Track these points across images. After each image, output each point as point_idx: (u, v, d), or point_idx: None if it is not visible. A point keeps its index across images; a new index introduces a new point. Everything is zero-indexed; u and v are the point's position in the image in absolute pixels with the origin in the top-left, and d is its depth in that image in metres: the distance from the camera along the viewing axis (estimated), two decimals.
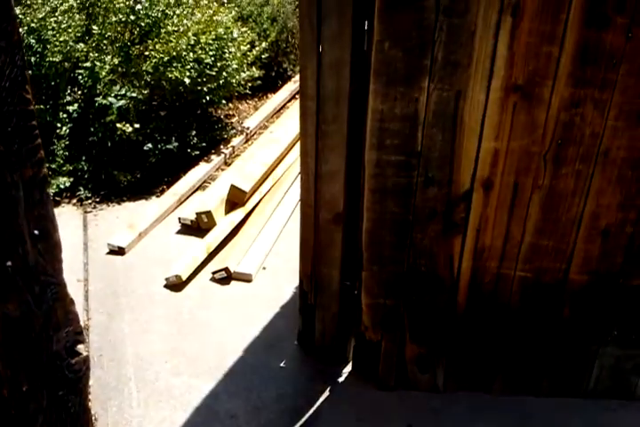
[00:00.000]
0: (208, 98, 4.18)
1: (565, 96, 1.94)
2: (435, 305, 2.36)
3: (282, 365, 2.72)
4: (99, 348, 2.79)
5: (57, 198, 3.92)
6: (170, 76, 3.89)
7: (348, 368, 2.68)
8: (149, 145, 4.00)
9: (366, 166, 2.11)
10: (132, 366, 2.71)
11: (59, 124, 3.93)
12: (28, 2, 3.79)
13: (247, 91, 4.59)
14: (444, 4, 1.82)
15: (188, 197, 3.97)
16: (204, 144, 4.24)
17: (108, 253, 3.47)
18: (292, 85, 5.16)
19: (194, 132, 4.20)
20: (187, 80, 3.94)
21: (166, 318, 2.98)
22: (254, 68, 4.54)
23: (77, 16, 3.87)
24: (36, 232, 1.18)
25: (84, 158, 4.01)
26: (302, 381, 2.64)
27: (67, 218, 3.77)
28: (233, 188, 3.68)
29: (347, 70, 2.10)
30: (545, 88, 1.93)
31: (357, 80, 2.10)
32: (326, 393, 2.57)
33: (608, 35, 1.84)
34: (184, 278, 3.20)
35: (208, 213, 3.58)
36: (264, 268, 3.33)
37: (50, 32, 3.74)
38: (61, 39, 3.76)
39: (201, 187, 4.08)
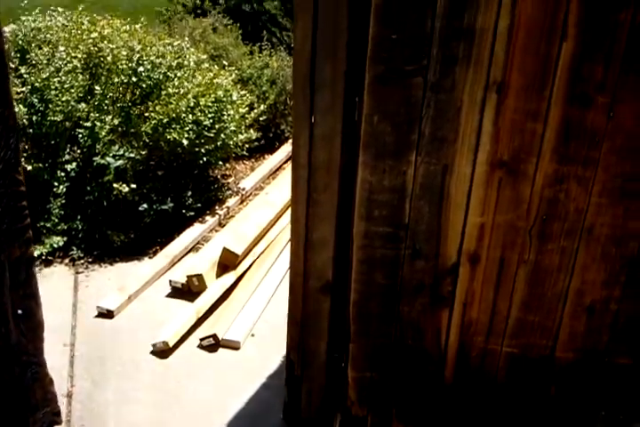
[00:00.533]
0: (205, 159, 4.23)
1: (549, 172, 1.95)
2: (422, 379, 2.30)
3: None
4: (80, 417, 2.72)
5: (49, 258, 3.90)
6: (168, 137, 3.95)
7: None
8: (145, 205, 4.02)
9: (354, 237, 2.11)
10: None
11: (56, 183, 3.96)
12: (34, 62, 3.89)
13: (244, 152, 4.65)
14: (431, 81, 1.86)
15: (180, 259, 3.96)
16: (199, 205, 4.26)
17: (97, 316, 3.43)
18: (289, 147, 5.20)
19: (189, 193, 4.23)
20: (185, 142, 4.00)
21: (151, 387, 2.92)
22: (252, 130, 4.62)
23: (81, 76, 3.96)
24: (19, 312, 1.17)
25: (79, 218, 4.02)
26: None
27: (58, 278, 3.75)
28: (225, 250, 3.67)
29: (338, 141, 2.13)
30: (529, 164, 1.95)
31: (348, 150, 2.13)
32: None
33: (590, 113, 1.87)
34: (171, 345, 3.14)
35: (199, 277, 3.56)
36: (252, 335, 3.29)
37: (53, 92, 3.82)
38: (64, 99, 3.83)
39: (194, 248, 4.08)
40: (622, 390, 2.23)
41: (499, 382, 2.28)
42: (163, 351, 3.13)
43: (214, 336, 3.18)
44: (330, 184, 2.19)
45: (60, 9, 4.31)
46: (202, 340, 3.19)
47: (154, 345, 3.13)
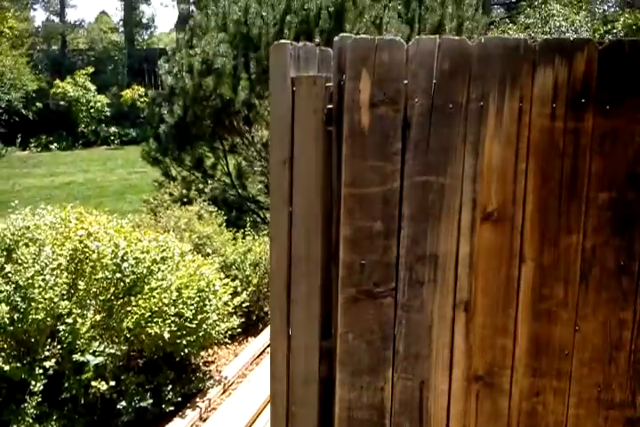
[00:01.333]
0: (186, 350, 4.22)
1: (525, 386, 1.99)
2: None
3: None
4: None
5: None
6: (150, 331, 3.97)
7: None
8: (123, 403, 3.92)
9: None
10: None
11: (33, 382, 3.88)
12: (19, 260, 4.01)
13: (226, 339, 4.65)
14: (401, 302, 1.96)
15: None
16: (179, 399, 4.16)
17: None
18: None
19: (169, 387, 4.14)
20: (166, 335, 4.01)
21: None
22: (235, 317, 4.66)
23: (65, 273, 4.06)
24: None
25: (54, 417, 3.89)
26: None
27: None
28: None
29: (315, 354, 2.17)
30: (504, 378, 1.99)
31: (328, 365, 2.16)
32: None
33: (557, 328, 1.95)
34: None
35: None
36: None
37: (36, 290, 3.89)
38: (47, 296, 3.89)
39: None
40: None
41: None
42: None
43: None
44: (308, 398, 2.19)
45: (49, 207, 4.53)
46: None
47: None
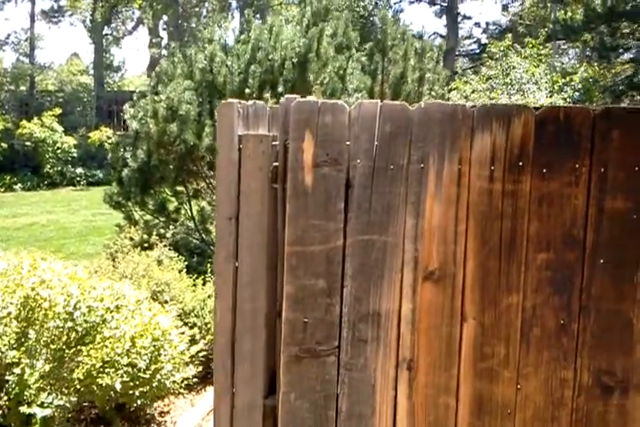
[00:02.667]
0: (140, 402, 4.11)
1: None
2: None
3: None
4: None
5: None
6: (101, 382, 3.87)
7: None
8: None
9: None
10: None
11: None
12: None
13: (181, 389, 4.55)
14: (344, 360, 1.96)
15: None
16: None
17: None
18: None
19: None
20: (118, 386, 3.91)
21: None
22: (192, 366, 4.58)
23: (15, 322, 3.96)
24: None
25: None
26: None
27: None
28: None
29: (259, 413, 2.14)
30: None
31: None
32: None
33: (499, 387, 1.96)
34: None
35: None
36: None
37: None
38: None
39: None
40: None
41: None
42: None
43: None
44: None
45: (1, 253, 4.45)
46: None
47: None
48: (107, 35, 25.69)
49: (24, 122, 18.25)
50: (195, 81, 7.19)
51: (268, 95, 6.81)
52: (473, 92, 13.03)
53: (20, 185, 17.68)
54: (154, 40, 26.20)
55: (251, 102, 2.19)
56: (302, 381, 1.97)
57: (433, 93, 7.76)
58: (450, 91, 13.24)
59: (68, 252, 10.77)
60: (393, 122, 1.89)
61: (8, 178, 17.75)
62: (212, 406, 4.89)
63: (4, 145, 17.97)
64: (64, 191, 18.04)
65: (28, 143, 17.93)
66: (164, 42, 25.95)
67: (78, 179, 18.00)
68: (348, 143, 1.90)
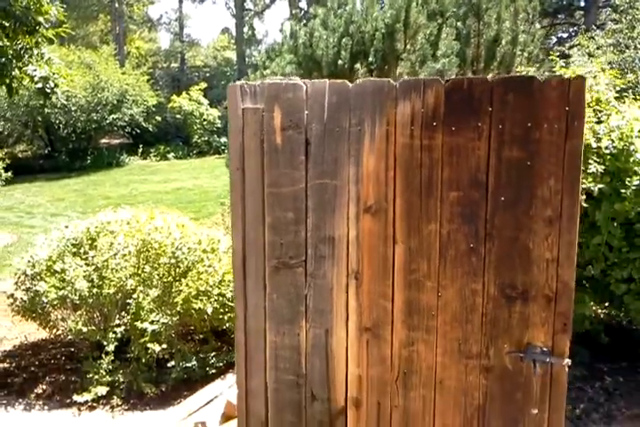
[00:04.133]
0: (228, 325, 5.09)
1: (402, 337, 2.65)
2: None
3: None
4: None
5: (94, 404, 4.74)
6: (195, 306, 4.89)
7: None
8: (172, 363, 4.86)
9: (267, 384, 2.83)
10: None
11: (106, 343, 4.91)
12: (99, 247, 5.07)
13: None
14: (309, 271, 2.69)
15: (197, 410, 4.66)
16: (220, 364, 5.04)
17: None
18: None
19: (214, 354, 5.04)
20: (209, 310, 4.91)
21: None
22: None
23: (133, 259, 5.07)
24: None
25: (121, 372, 4.90)
26: None
27: (99, 421, 4.55)
28: (229, 403, 4.36)
29: (261, 311, 2.93)
30: (386, 330, 2.66)
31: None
32: None
33: (424, 295, 2.60)
34: None
35: (203, 424, 4.24)
36: None
37: (110, 271, 4.93)
38: (118, 276, 4.92)
39: (211, 401, 4.78)
40: None
41: None
42: None
43: None
44: (259, 346, 2.96)
45: (127, 206, 5.60)
46: None
47: None
48: (247, 10, 27.18)
49: (174, 96, 20.18)
50: (298, 55, 7.97)
51: (358, 66, 7.45)
52: (598, 48, 12.68)
53: (172, 154, 19.70)
54: (294, 11, 27.28)
55: (259, 82, 2.92)
56: (281, 285, 2.74)
57: (525, 54, 7.95)
58: (570, 48, 12.94)
59: (207, 212, 12.16)
60: (337, 95, 2.56)
61: (162, 148, 19.85)
62: None
63: (158, 118, 20.05)
64: (210, 159, 19.82)
65: (178, 116, 19.87)
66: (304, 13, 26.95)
67: (222, 148, 19.68)
68: (306, 112, 2.59)
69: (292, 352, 2.77)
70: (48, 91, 6.09)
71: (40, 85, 6.09)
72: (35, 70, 6.26)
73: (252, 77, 8.17)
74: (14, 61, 6.16)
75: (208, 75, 22.70)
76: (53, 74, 6.23)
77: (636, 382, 5.14)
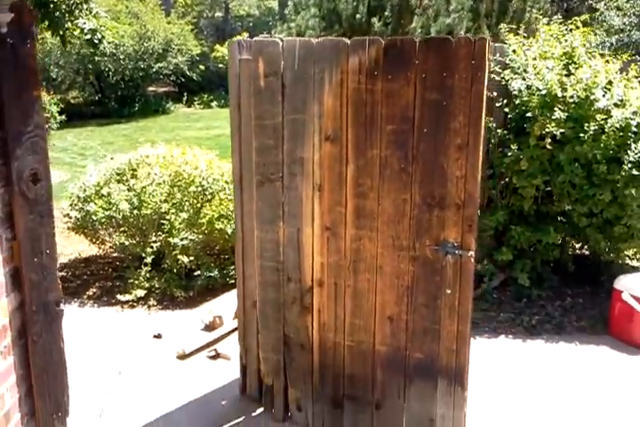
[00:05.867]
0: None
1: (352, 234, 3.55)
2: (300, 359, 3.82)
3: (223, 403, 4.21)
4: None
5: (133, 304, 5.85)
6: (217, 227, 5.88)
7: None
8: (198, 272, 5.91)
9: (256, 269, 3.79)
10: None
11: (144, 255, 5.97)
12: (137, 176, 6.08)
13: None
14: (285, 184, 3.60)
15: (216, 309, 5.71)
16: None
17: (153, 338, 5.24)
18: None
19: (232, 267, 6.05)
20: (229, 230, 5.90)
21: (170, 373, 4.62)
22: None
23: (167, 186, 6.07)
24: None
25: (156, 279, 5.97)
26: (229, 413, 4.10)
27: (135, 316, 5.65)
28: None
29: (254, 212, 3.87)
30: (341, 229, 3.56)
31: None
32: (240, 419, 4.01)
33: (368, 203, 3.48)
34: (187, 353, 4.85)
35: (219, 317, 5.29)
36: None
37: (147, 195, 5.94)
38: (154, 200, 5.93)
39: (228, 303, 5.82)
40: (419, 377, 3.60)
41: (344, 363, 3.74)
42: (182, 356, 4.83)
43: (216, 350, 4.85)
44: (251, 241, 3.90)
45: (162, 143, 6.57)
46: (209, 351, 4.87)
47: (177, 352, 4.85)
48: None
49: (218, 46, 20.94)
50: (322, 9, 8.69)
51: (375, 20, 8.14)
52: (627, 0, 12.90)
53: (215, 102, 20.62)
54: None
55: (257, 38, 3.76)
56: (264, 195, 3.66)
57: (534, 10, 8.48)
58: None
59: None
60: (305, 50, 3.40)
61: (206, 96, 20.77)
62: None
63: (202, 67, 20.90)
64: None
65: (221, 65, 20.65)
66: None
67: None
68: (282, 63, 3.45)
69: (272, 245, 3.72)
70: (96, 42, 7.02)
71: (89, 37, 7.02)
72: (84, 23, 7.19)
73: (278, 30, 8.95)
74: (67, 15, 7.09)
75: (251, 24, 23.36)
76: (100, 26, 7.14)
77: (593, 302, 5.96)
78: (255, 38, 3.55)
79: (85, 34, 7.19)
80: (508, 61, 5.81)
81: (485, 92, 3.25)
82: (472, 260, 3.43)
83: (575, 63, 5.70)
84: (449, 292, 3.49)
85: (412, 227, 3.47)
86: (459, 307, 3.50)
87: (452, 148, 3.30)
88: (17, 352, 2.60)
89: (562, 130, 5.38)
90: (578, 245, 6.76)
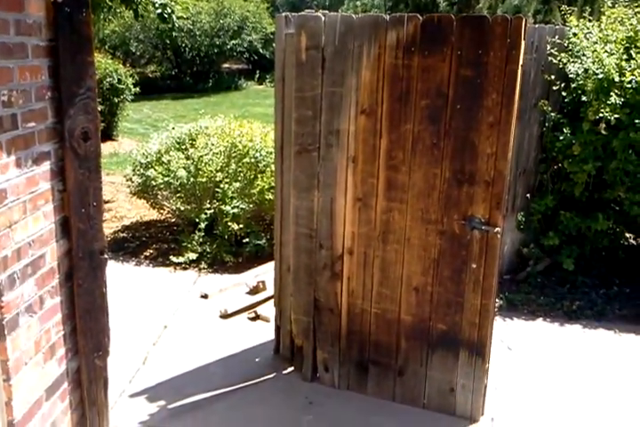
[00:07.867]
0: None
1: (383, 206, 3.67)
2: (329, 323, 4.00)
3: (257, 360, 4.46)
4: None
5: (185, 266, 6.17)
6: (267, 197, 6.10)
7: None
8: (247, 239, 6.16)
9: (291, 235, 3.98)
10: None
11: (198, 221, 6.26)
12: (196, 146, 6.36)
13: None
14: (321, 155, 3.74)
15: (261, 275, 5.96)
16: None
17: (200, 297, 5.54)
18: None
19: None
20: None
21: (215, 329, 4.91)
22: None
23: (222, 156, 6.33)
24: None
25: (208, 244, 6.27)
26: (261, 370, 4.34)
27: (186, 277, 5.97)
28: None
29: (291, 182, 4.05)
30: (372, 200, 3.69)
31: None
32: (270, 376, 4.25)
33: (399, 176, 3.59)
34: (229, 312, 5.12)
35: (263, 282, 5.53)
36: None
37: (204, 164, 6.21)
38: (209, 169, 6.20)
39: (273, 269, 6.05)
40: (441, 348, 3.72)
41: (370, 330, 3.89)
42: (225, 316, 5.12)
43: (256, 312, 5.10)
44: (289, 209, 4.08)
45: (221, 115, 6.83)
46: (249, 313, 5.14)
47: (220, 311, 5.14)
48: None
49: None
50: None
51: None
52: None
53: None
54: None
55: (301, 13, 3.90)
56: (302, 164, 3.82)
57: None
58: None
59: None
60: (345, 25, 3.51)
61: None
62: None
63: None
64: None
65: None
66: None
67: None
68: (323, 37, 3.58)
69: (307, 213, 3.89)
70: (165, 16, 7.30)
71: (159, 11, 7.31)
72: None
73: (344, 8, 9.02)
74: None
75: (327, 3, 23.38)
76: (171, 1, 7.41)
77: (639, 293, 5.86)
78: (300, 13, 3.68)
79: (156, 8, 7.49)
80: (567, 44, 5.72)
81: (520, 71, 3.29)
82: (498, 236, 3.50)
83: (638, 47, 5.55)
84: (474, 266, 3.58)
85: (441, 201, 3.56)
86: (483, 281, 3.59)
87: (484, 125, 3.36)
88: (63, 294, 2.86)
89: (617, 115, 5.28)
90: (631, 236, 6.62)
